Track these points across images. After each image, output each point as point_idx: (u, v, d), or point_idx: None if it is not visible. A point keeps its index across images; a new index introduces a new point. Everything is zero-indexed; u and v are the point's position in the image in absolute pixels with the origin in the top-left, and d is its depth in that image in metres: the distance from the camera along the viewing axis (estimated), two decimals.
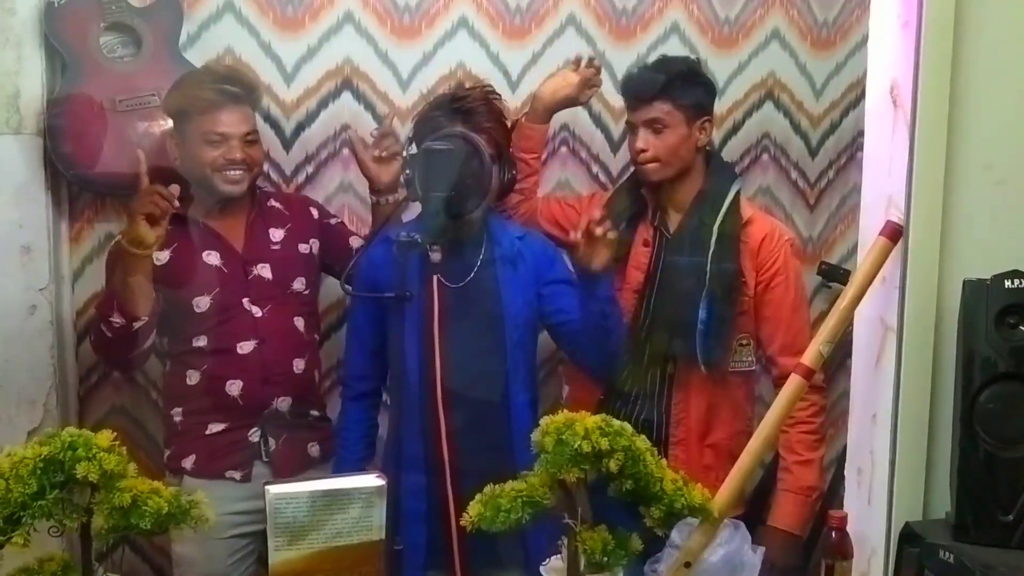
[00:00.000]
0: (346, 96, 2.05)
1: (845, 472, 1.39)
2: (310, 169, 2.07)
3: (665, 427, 1.80)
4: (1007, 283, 1.17)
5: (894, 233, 1.26)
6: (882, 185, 1.32)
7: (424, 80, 2.06)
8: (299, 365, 1.79)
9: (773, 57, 2.26)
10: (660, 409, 1.81)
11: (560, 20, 2.13)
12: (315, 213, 1.88)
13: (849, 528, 1.34)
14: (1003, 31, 1.25)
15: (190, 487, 1.48)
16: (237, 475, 1.74)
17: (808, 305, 1.91)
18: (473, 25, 2.08)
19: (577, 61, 1.89)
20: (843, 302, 1.28)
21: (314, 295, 1.88)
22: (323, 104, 2.04)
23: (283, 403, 1.77)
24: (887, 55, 1.32)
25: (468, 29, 2.08)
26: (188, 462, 1.76)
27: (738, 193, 1.81)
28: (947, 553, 1.15)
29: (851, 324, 1.35)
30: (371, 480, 1.19)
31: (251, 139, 1.76)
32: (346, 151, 2.05)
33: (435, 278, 1.61)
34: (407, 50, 2.06)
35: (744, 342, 1.81)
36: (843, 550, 1.30)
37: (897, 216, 1.27)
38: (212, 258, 1.76)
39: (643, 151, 1.77)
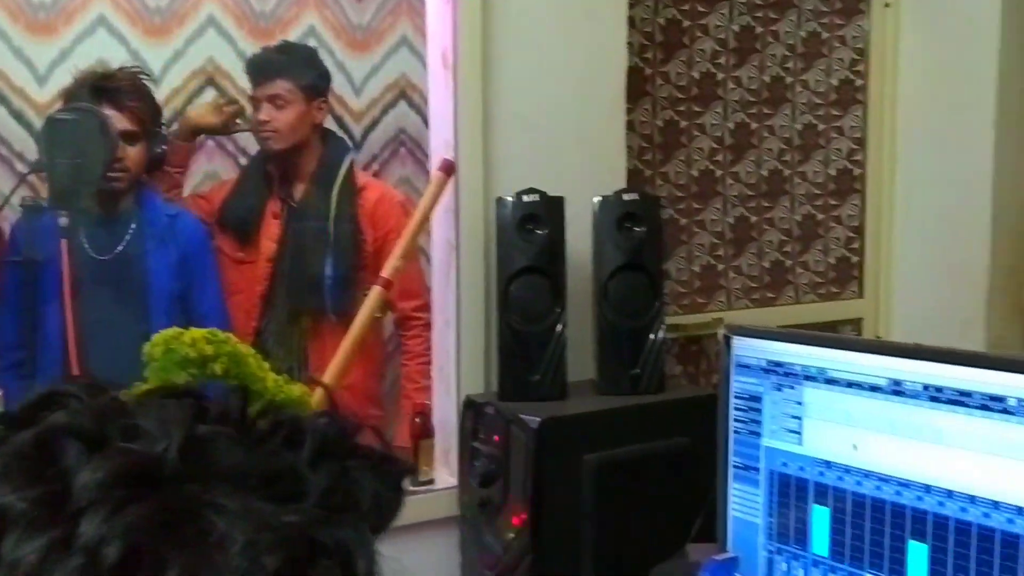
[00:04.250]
0: None
1: (432, 370, 1.67)
2: None
3: (306, 374, 2.01)
4: (525, 197, 1.49)
5: (448, 168, 1.56)
6: (442, 132, 1.62)
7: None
8: None
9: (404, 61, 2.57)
10: (301, 359, 2.02)
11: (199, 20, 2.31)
12: None
13: (435, 415, 1.62)
14: (525, 4, 1.60)
15: None
16: None
17: (425, 258, 2.21)
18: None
19: (227, 101, 2.10)
20: (411, 224, 1.56)
21: None
22: None
23: None
24: (439, 28, 1.63)
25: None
26: None
27: (352, 163, 2.08)
28: (490, 408, 1.44)
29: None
30: None
31: None
32: None
33: (63, 243, 1.72)
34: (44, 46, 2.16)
35: (368, 292, 2.06)
36: (425, 431, 1.57)
37: (450, 155, 1.58)
38: None
39: (265, 122, 2.01)
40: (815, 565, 1.13)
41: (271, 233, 2.05)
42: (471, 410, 1.49)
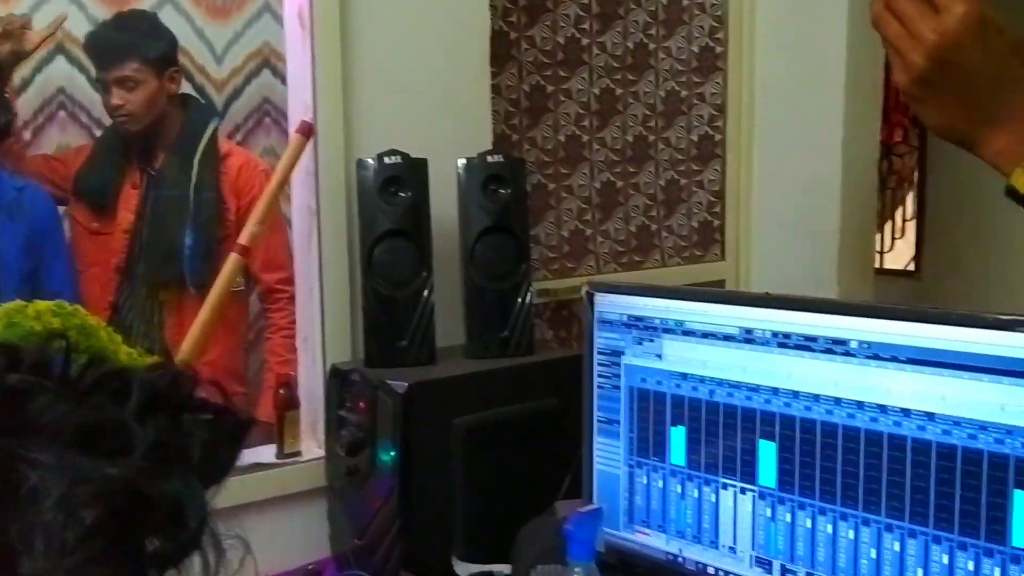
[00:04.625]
0: None
1: (296, 343, 1.63)
2: None
3: (162, 347, 1.93)
4: (387, 159, 1.47)
5: (306, 129, 1.52)
6: (301, 94, 1.57)
7: None
8: None
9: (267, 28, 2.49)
10: (158, 334, 1.94)
11: None
12: None
13: (301, 386, 1.58)
14: None
15: None
16: None
17: (289, 226, 2.15)
18: None
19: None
20: (269, 188, 1.51)
21: None
22: None
23: None
24: None
25: None
26: None
27: (215, 130, 2.00)
28: (355, 375, 1.41)
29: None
30: None
31: None
32: None
33: None
34: None
35: None
36: (290, 403, 1.53)
37: (309, 117, 1.53)
38: None
39: (119, 107, 1.91)
40: (673, 475, 1.16)
41: (129, 203, 1.95)
42: (337, 379, 1.45)
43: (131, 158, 1.97)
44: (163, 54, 1.94)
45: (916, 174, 3.27)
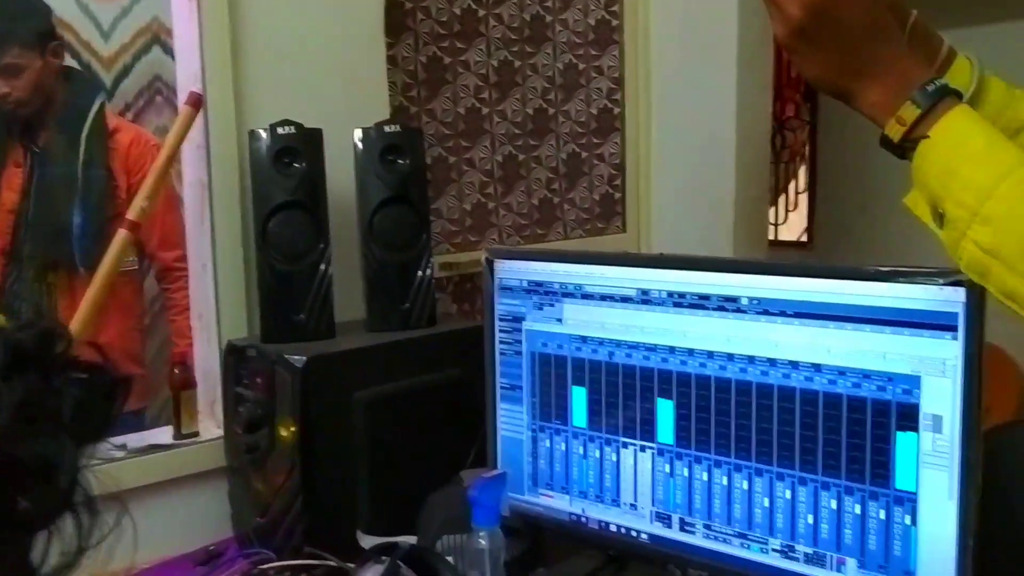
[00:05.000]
0: None
1: (191, 321, 1.58)
2: None
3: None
4: (279, 130, 1.43)
5: (196, 101, 1.47)
6: (189, 65, 1.52)
7: None
8: None
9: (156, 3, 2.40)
10: (49, 318, 1.86)
11: None
12: None
13: (197, 365, 1.54)
14: None
15: None
16: None
17: (180, 204, 2.09)
18: None
19: None
20: (158, 162, 1.46)
21: None
22: None
23: None
24: None
25: None
26: None
27: (103, 104, 1.92)
28: (252, 350, 1.38)
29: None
30: None
31: None
32: None
33: None
34: None
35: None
36: (186, 382, 1.49)
37: (198, 87, 1.48)
38: None
39: (6, 95, 1.81)
40: (575, 437, 1.17)
41: (13, 183, 1.86)
42: (233, 355, 1.42)
43: (13, 136, 1.88)
44: (41, 31, 1.85)
45: (808, 148, 3.37)
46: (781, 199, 3.38)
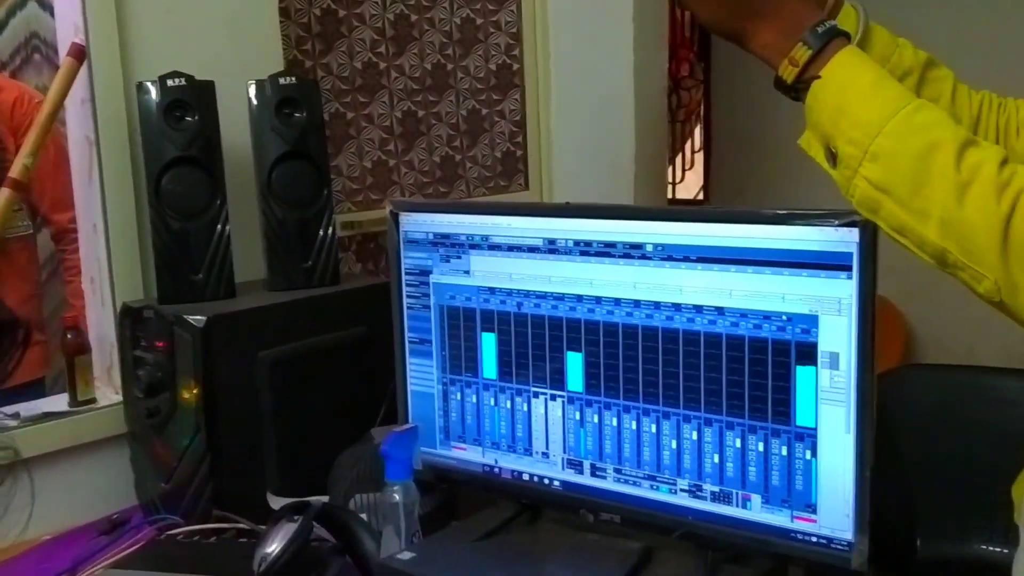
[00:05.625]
0: None
1: (82, 284, 1.52)
2: None
3: None
4: (169, 82, 1.37)
5: (78, 53, 1.40)
6: (70, 16, 1.44)
7: None
8: None
9: None
10: None
11: None
12: None
13: (91, 329, 1.47)
14: None
15: None
16: None
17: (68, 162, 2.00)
18: None
19: None
20: (40, 117, 1.38)
21: None
22: None
23: None
24: None
25: None
26: None
27: None
28: (149, 312, 1.33)
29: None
30: None
31: None
32: None
33: None
34: None
35: (16, 207, 1.83)
36: (79, 347, 1.43)
37: (80, 39, 1.41)
38: None
39: None
40: (486, 388, 1.18)
41: None
42: (129, 318, 1.37)
43: None
44: None
45: (702, 107, 3.43)
46: (678, 159, 3.44)
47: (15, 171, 1.36)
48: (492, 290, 1.16)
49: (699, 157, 3.47)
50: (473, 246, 1.17)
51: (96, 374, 1.47)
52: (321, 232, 1.48)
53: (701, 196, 3.47)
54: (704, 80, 3.41)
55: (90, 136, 1.43)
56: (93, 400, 1.44)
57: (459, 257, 1.19)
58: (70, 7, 1.43)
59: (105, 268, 1.43)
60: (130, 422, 1.39)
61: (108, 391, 1.47)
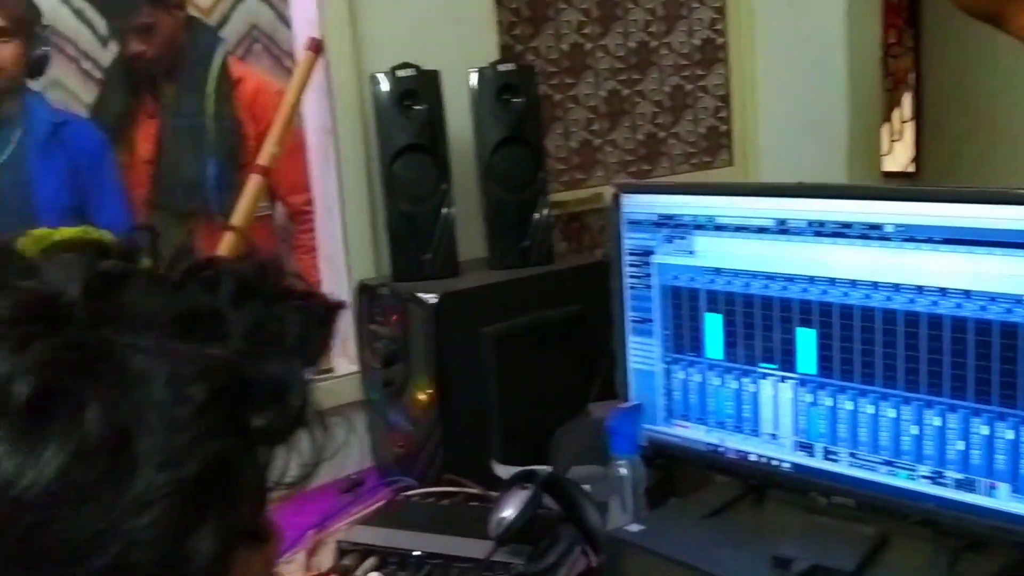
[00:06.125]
0: None
1: (318, 263, 1.63)
2: None
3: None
4: (400, 73, 1.45)
5: (315, 46, 1.50)
6: (304, 11, 1.55)
7: None
8: None
9: None
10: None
11: None
12: None
13: None
14: None
15: None
16: None
17: (304, 149, 2.15)
18: None
19: None
20: (283, 108, 1.49)
21: None
22: None
23: None
24: None
25: None
26: None
27: (227, 54, 1.96)
28: (384, 289, 1.42)
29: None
30: None
31: None
32: None
33: None
34: None
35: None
36: None
37: (316, 33, 1.51)
38: None
39: (140, 54, 1.86)
40: (711, 368, 1.18)
41: (147, 134, 1.92)
42: (365, 294, 1.46)
43: (142, 88, 1.93)
44: None
45: (912, 75, 3.25)
46: (885, 128, 3.28)
47: (264, 159, 1.47)
48: (718, 271, 1.17)
49: (908, 127, 3.29)
50: (698, 227, 1.18)
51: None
52: (536, 213, 1.53)
53: (912, 168, 3.29)
54: (914, 47, 3.23)
55: (327, 125, 1.53)
56: (331, 369, 1.55)
57: (683, 238, 1.20)
58: (306, 3, 1.53)
59: (341, 248, 1.53)
60: (367, 390, 1.49)
61: (343, 361, 1.58)
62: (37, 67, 1.75)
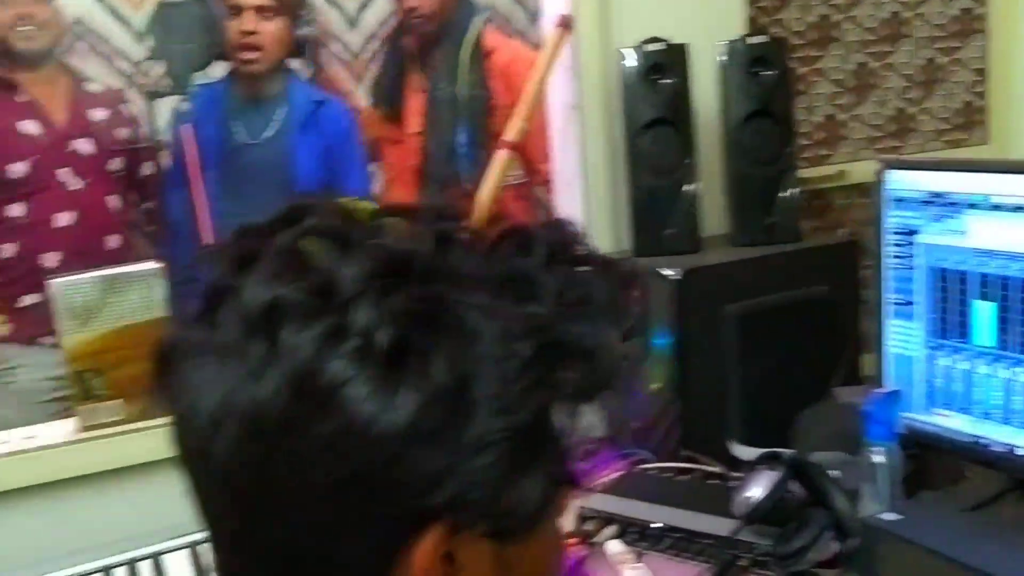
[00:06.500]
0: None
1: None
2: None
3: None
4: (648, 47, 1.45)
5: (566, 22, 1.52)
6: None
7: None
8: (112, 242, 1.84)
9: None
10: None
11: None
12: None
13: None
14: None
15: (5, 355, 1.55)
16: (50, 340, 1.81)
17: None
18: None
19: None
20: (532, 84, 1.53)
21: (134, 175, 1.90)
22: None
23: None
24: None
25: None
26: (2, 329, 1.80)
27: (485, 23, 2.03)
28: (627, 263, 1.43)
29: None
30: (149, 264, 1.33)
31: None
32: None
33: (183, 129, 1.74)
34: None
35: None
36: None
37: (566, 9, 1.53)
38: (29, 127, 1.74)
39: (412, 10, 1.95)
40: (979, 356, 1.11)
41: (416, 107, 2.03)
42: None
43: (414, 62, 2.03)
44: None
45: None
46: None
47: (511, 134, 1.52)
48: (991, 253, 1.09)
49: None
50: (971, 206, 1.11)
51: None
52: (783, 189, 1.49)
53: None
54: None
55: (570, 99, 1.55)
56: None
57: (953, 217, 1.13)
58: None
59: (581, 221, 1.55)
60: None
61: None
62: (300, 47, 1.88)
